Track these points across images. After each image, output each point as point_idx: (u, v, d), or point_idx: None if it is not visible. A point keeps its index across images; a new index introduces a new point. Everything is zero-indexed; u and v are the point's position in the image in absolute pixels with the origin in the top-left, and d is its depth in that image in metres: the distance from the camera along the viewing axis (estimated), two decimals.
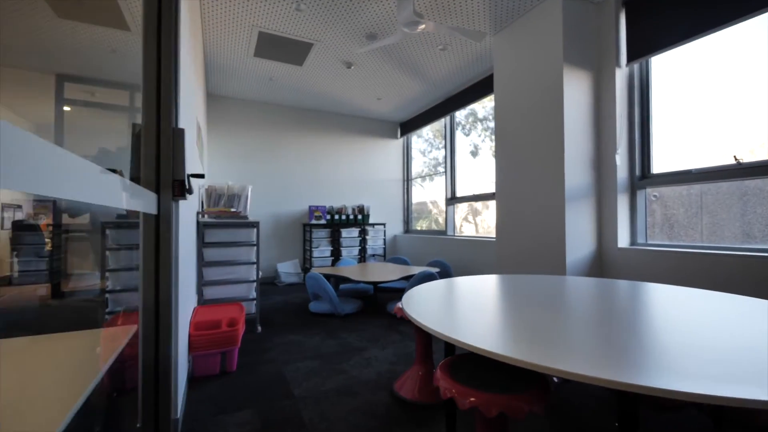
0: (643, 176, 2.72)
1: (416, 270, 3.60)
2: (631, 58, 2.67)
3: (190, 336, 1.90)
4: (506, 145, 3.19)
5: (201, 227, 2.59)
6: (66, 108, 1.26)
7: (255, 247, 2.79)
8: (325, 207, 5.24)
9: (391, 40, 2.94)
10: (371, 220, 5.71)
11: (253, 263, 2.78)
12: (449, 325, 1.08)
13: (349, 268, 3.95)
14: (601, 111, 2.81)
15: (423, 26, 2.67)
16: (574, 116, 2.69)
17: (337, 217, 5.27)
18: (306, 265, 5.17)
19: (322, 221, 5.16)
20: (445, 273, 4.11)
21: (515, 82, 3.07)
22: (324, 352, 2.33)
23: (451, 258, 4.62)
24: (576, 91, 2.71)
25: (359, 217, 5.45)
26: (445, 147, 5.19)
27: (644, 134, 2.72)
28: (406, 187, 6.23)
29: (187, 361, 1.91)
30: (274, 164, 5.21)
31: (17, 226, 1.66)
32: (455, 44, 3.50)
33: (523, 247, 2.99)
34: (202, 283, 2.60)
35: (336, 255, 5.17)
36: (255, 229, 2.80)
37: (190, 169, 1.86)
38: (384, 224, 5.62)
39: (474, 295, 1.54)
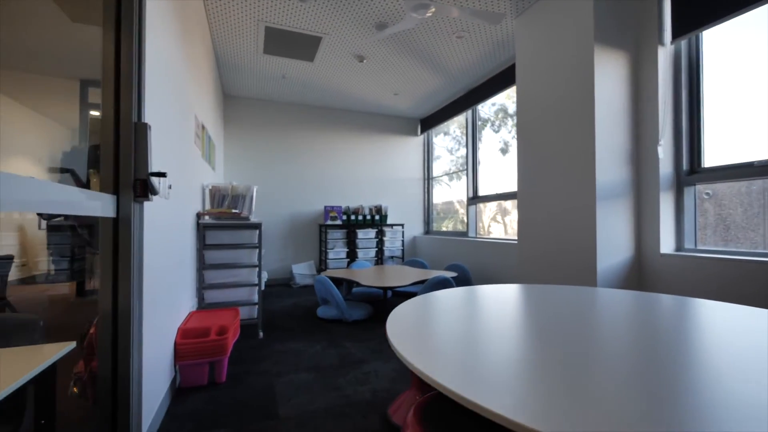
0: (691, 171, 2.34)
1: (434, 274, 3.37)
2: (677, 34, 2.30)
3: (176, 344, 1.80)
4: (529, 139, 2.89)
5: (201, 228, 2.52)
6: None
7: (257, 250, 2.68)
8: (341, 207, 5.10)
9: (400, 27, 2.73)
10: (389, 221, 5.52)
11: (255, 266, 2.68)
12: (430, 357, 0.86)
13: (362, 271, 3.78)
14: (641, 97, 2.45)
15: (432, 10, 2.44)
16: (606, 103, 2.36)
17: (353, 217, 5.13)
18: (322, 266, 5.07)
19: (338, 222, 5.03)
20: (464, 278, 3.84)
21: (539, 68, 2.76)
22: (322, 363, 2.17)
23: (472, 261, 4.34)
24: (609, 75, 2.38)
25: (376, 217, 5.28)
26: (467, 143, 4.89)
27: (693, 122, 2.34)
28: (426, 186, 5.98)
29: (174, 371, 1.81)
30: (291, 164, 5.14)
31: (52, 227, 1.63)
32: (473, 31, 3.23)
33: (547, 252, 2.68)
34: (202, 286, 2.52)
35: (352, 256, 5.03)
36: (257, 231, 2.69)
37: (178, 169, 1.76)
38: (402, 225, 5.40)
39: (479, 313, 1.28)
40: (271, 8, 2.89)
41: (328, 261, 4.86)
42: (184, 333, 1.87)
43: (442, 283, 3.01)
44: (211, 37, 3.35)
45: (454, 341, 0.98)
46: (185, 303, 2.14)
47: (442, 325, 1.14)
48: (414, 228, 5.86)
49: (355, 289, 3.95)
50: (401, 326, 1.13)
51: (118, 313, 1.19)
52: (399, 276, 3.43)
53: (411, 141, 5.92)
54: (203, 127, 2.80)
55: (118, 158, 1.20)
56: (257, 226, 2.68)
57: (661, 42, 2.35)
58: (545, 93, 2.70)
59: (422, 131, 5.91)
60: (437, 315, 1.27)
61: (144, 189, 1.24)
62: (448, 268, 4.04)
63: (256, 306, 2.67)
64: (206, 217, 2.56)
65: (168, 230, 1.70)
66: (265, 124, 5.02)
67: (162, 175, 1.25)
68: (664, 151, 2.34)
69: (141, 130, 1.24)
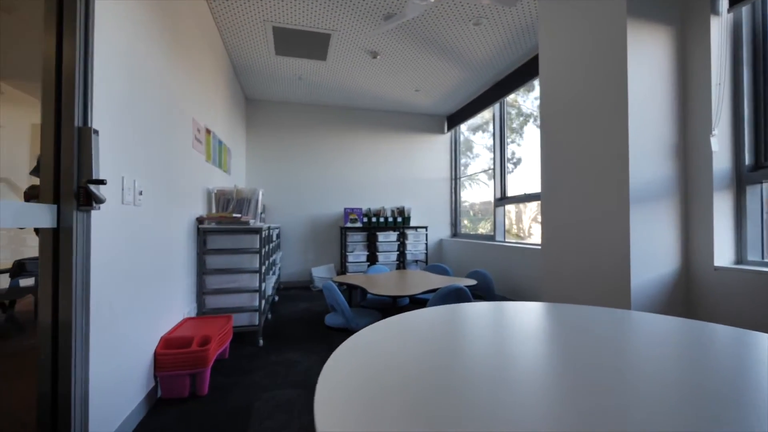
0: (756, 166, 1.90)
1: (452, 281, 3.12)
2: (736, 0, 1.87)
3: (155, 354, 1.76)
4: (553, 134, 2.55)
5: (201, 233, 2.50)
6: None
7: (258, 255, 2.62)
8: (361, 209, 4.98)
9: (405, 15, 2.53)
10: (413, 223, 5.30)
11: (256, 271, 2.62)
12: None
13: (373, 276, 3.61)
14: (688, 78, 2.04)
15: None
16: (643, 88, 1.98)
17: (374, 219, 4.98)
18: (342, 270, 4.98)
19: (358, 224, 4.91)
20: (485, 287, 3.54)
21: (564, 53, 2.42)
22: (313, 379, 2.04)
23: (498, 268, 4.00)
24: (646, 55, 2.00)
25: (398, 219, 5.08)
26: (493, 139, 4.54)
27: (759, 107, 1.90)
28: (454, 186, 5.68)
29: (155, 381, 1.77)
30: (312, 165, 5.11)
31: None
32: (491, 17, 2.94)
33: (573, 263, 2.34)
34: (203, 291, 2.51)
35: (372, 260, 4.88)
36: (257, 236, 2.63)
37: (161, 173, 1.72)
38: (426, 227, 5.16)
39: (464, 348, 0.83)
40: (276, 7, 2.82)
41: (347, 264, 4.76)
42: (166, 342, 1.83)
43: (455, 294, 2.76)
44: (223, 42, 3.37)
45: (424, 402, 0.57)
46: (177, 309, 2.12)
47: (410, 371, 0.68)
48: (440, 230, 5.59)
49: (369, 295, 3.80)
50: (346, 380, 0.64)
51: (58, 328, 1.13)
52: (412, 283, 3.22)
53: (437, 139, 5.65)
54: (208, 131, 2.79)
55: (59, 165, 1.14)
56: (257, 231, 2.62)
57: (714, 11, 1.93)
58: (571, 80, 2.36)
59: (449, 128, 5.61)
60: (406, 352, 0.80)
61: (88, 198, 1.17)
62: (470, 275, 3.75)
63: (257, 312, 2.61)
64: (208, 222, 2.54)
65: (144, 237, 1.66)
66: (286, 127, 5.03)
67: (101, 182, 1.17)
68: (719, 142, 1.92)
69: (85, 136, 1.18)
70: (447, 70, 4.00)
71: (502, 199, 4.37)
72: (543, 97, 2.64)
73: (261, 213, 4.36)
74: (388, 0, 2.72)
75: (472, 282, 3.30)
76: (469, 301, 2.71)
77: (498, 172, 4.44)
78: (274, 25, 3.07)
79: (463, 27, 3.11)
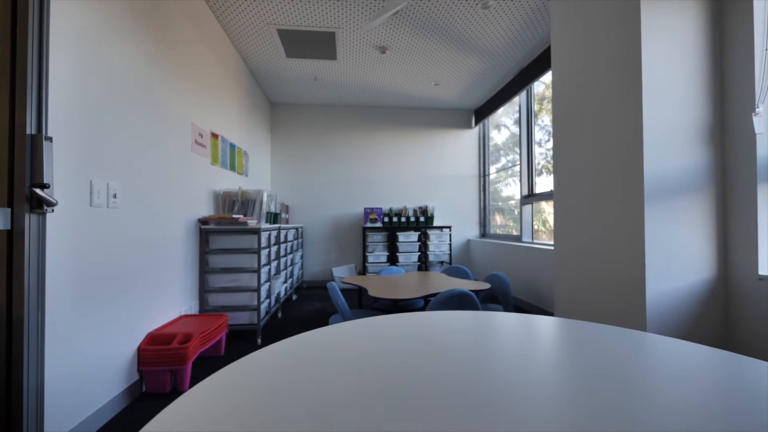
0: None
1: (467, 284, 2.93)
2: None
3: (139, 349, 1.84)
4: (564, 123, 2.26)
5: (203, 233, 2.60)
6: None
7: (256, 255, 2.66)
8: (381, 209, 4.90)
9: (393, 6, 2.40)
10: (437, 223, 5.10)
11: (255, 271, 2.66)
12: None
13: (384, 277, 3.52)
14: (725, 46, 1.68)
15: None
16: (662, 59, 1.66)
17: (395, 219, 4.87)
18: (362, 270, 4.94)
19: (378, 224, 4.83)
20: (503, 292, 3.27)
21: (575, 32, 2.13)
22: None
23: (523, 271, 3.70)
24: (666, 19, 1.67)
25: (421, 219, 4.92)
26: (520, 131, 4.20)
27: None
28: (482, 183, 5.37)
29: (138, 376, 1.86)
30: (334, 165, 5.14)
31: None
32: None
33: (584, 269, 2.05)
34: (205, 289, 2.60)
35: (392, 260, 4.78)
36: (256, 236, 2.67)
37: (148, 175, 1.79)
38: (449, 227, 4.93)
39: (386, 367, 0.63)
40: (276, 10, 2.85)
41: (367, 265, 4.71)
42: (151, 338, 1.91)
43: (457, 298, 2.57)
44: (236, 49, 3.49)
45: None
46: (171, 306, 2.21)
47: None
48: (468, 230, 5.32)
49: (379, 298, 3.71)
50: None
51: (12, 323, 1.21)
52: (419, 285, 3.07)
53: (463, 135, 5.39)
54: (215, 135, 2.90)
55: (12, 171, 1.22)
56: (256, 232, 2.66)
57: None
58: (581, 63, 2.07)
59: (476, 122, 5.32)
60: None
61: (39, 201, 1.24)
62: (488, 279, 3.50)
63: (256, 312, 2.66)
64: (210, 223, 2.64)
65: (122, 236, 1.74)
66: (309, 128, 5.12)
67: (45, 186, 1.23)
68: (765, 123, 1.54)
69: (37, 142, 1.25)
70: (464, 61, 3.77)
71: (530, 196, 4.02)
72: (555, 82, 2.36)
73: (285, 214, 4.48)
74: None
75: (485, 286, 3.07)
76: (474, 306, 2.52)
77: (525, 167, 4.10)
78: (277, 27, 3.11)
79: (471, 12, 2.89)
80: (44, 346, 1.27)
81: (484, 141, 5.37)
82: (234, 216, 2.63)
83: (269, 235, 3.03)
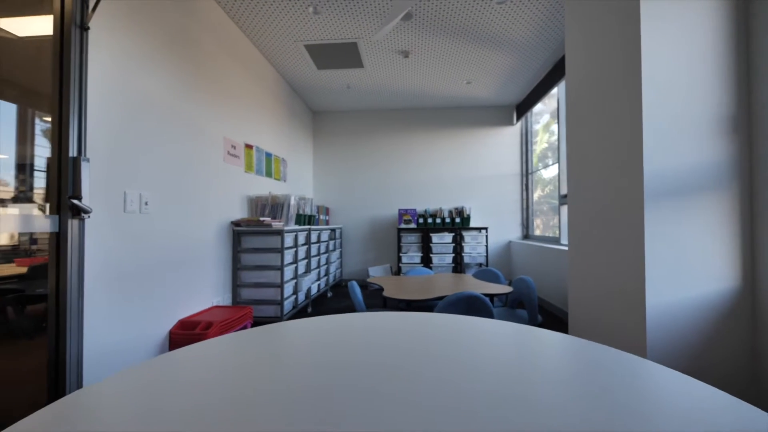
0: None
1: (488, 287, 2.87)
2: None
3: (170, 332, 2.18)
4: (576, 115, 2.11)
5: (236, 234, 2.93)
6: None
7: (280, 254, 2.92)
8: (415, 210, 4.93)
9: (398, 14, 2.46)
10: (474, 224, 4.97)
11: (278, 269, 2.92)
12: None
13: (406, 278, 3.56)
14: (752, 21, 1.44)
15: None
16: (667, 38, 1.48)
17: (430, 220, 4.87)
18: (396, 270, 5.02)
19: (412, 225, 4.87)
20: (528, 297, 3.10)
21: (588, 15, 1.97)
22: None
23: (558, 276, 3.46)
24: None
25: (457, 220, 4.84)
26: (558, 124, 3.91)
27: None
28: (525, 182, 5.09)
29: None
30: (372, 168, 5.31)
31: None
32: None
33: (589, 276, 1.90)
34: (237, 284, 2.93)
35: (426, 261, 4.78)
36: (279, 237, 2.92)
37: (176, 184, 2.08)
38: (486, 228, 4.77)
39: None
40: (300, 28, 3.09)
41: (401, 265, 4.78)
42: (182, 324, 2.24)
43: (465, 301, 2.54)
44: (273, 66, 3.83)
45: None
46: (203, 297, 2.55)
47: None
48: (509, 231, 5.08)
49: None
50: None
51: (59, 306, 1.55)
52: (438, 287, 3.07)
53: (504, 132, 5.17)
54: (249, 146, 3.24)
55: (60, 186, 1.57)
56: (279, 233, 2.92)
57: None
58: (590, 50, 1.91)
59: (518, 118, 5.06)
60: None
61: (76, 210, 1.57)
62: (515, 282, 3.35)
63: (279, 305, 2.91)
64: (241, 225, 2.96)
65: (153, 237, 2.08)
66: (347, 133, 5.35)
67: (77, 197, 1.55)
68: None
69: (77, 163, 1.58)
70: (492, 58, 3.65)
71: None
72: (568, 74, 2.21)
73: (324, 215, 4.76)
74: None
75: (507, 290, 2.97)
76: (484, 309, 2.48)
77: (564, 163, 3.81)
78: (304, 44, 3.35)
79: (488, 8, 2.81)
80: (83, 326, 1.60)
81: (526, 137, 5.09)
82: (261, 219, 2.91)
83: (296, 235, 3.28)
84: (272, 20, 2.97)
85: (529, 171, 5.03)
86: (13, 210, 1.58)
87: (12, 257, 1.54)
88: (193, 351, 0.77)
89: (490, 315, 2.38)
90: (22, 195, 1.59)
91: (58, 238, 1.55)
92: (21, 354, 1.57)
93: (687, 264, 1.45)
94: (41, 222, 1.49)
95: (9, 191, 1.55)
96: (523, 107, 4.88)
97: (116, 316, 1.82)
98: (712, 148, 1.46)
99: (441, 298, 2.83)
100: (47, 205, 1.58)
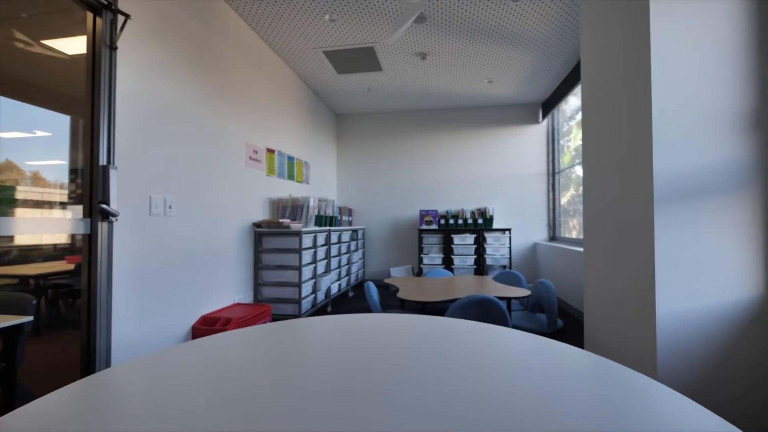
0: None
1: (506, 290, 2.82)
2: None
3: (193, 327, 2.33)
4: (591, 111, 2.02)
5: (257, 235, 3.07)
6: None
7: (297, 254, 3.02)
8: (436, 211, 4.90)
9: (408, 18, 2.47)
10: (497, 225, 4.86)
11: (296, 269, 3.02)
12: None
13: (423, 279, 3.55)
14: None
15: None
16: (680, 30, 1.39)
17: (452, 221, 4.82)
18: (418, 271, 5.01)
19: (433, 226, 4.84)
20: (548, 301, 3.00)
21: (598, 16, 1.89)
22: None
23: (580, 281, 3.31)
24: None
25: (479, 221, 4.76)
26: (583, 122, 3.73)
27: None
28: (551, 182, 4.91)
29: None
30: (395, 169, 5.34)
31: None
32: None
33: (605, 279, 1.81)
34: (258, 283, 3.07)
35: (447, 263, 4.74)
36: (297, 238, 3.03)
37: (196, 189, 2.22)
38: (509, 229, 4.64)
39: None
40: (318, 34, 3.18)
41: (422, 266, 4.77)
42: (204, 320, 2.38)
43: (478, 304, 2.50)
44: (296, 73, 3.96)
45: None
46: (225, 295, 2.70)
47: None
48: (535, 232, 4.92)
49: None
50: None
51: (90, 297, 1.72)
52: (452, 289, 3.04)
53: (529, 130, 5.01)
54: (271, 151, 3.38)
55: (91, 192, 1.73)
56: (297, 234, 3.02)
57: None
58: (603, 44, 1.83)
59: (544, 116, 4.89)
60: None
61: (105, 214, 1.73)
62: (535, 286, 3.25)
63: (297, 304, 3.01)
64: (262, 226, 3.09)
65: (177, 238, 2.23)
66: (370, 135, 5.42)
67: (105, 202, 1.70)
68: None
69: (107, 171, 1.74)
70: (512, 56, 3.56)
71: None
72: (584, 69, 2.12)
73: (347, 216, 4.86)
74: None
75: (525, 293, 2.90)
76: (498, 312, 2.45)
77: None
78: (323, 50, 3.44)
79: (503, 7, 2.75)
80: (111, 320, 1.76)
81: (553, 135, 4.90)
82: (280, 220, 3.03)
83: (314, 236, 3.38)
84: (291, 28, 3.08)
85: (556, 170, 4.84)
86: (58, 213, 1.75)
87: (63, 255, 1.72)
88: (188, 348, 0.84)
89: (504, 319, 2.33)
90: (72, 199, 1.76)
91: (90, 239, 1.72)
92: (67, 343, 1.74)
93: (702, 270, 1.35)
94: (77, 225, 1.66)
95: (64, 193, 1.71)
96: (549, 104, 4.71)
97: (142, 311, 1.98)
98: (730, 147, 1.35)
99: (455, 300, 2.80)
100: (81, 209, 1.76)
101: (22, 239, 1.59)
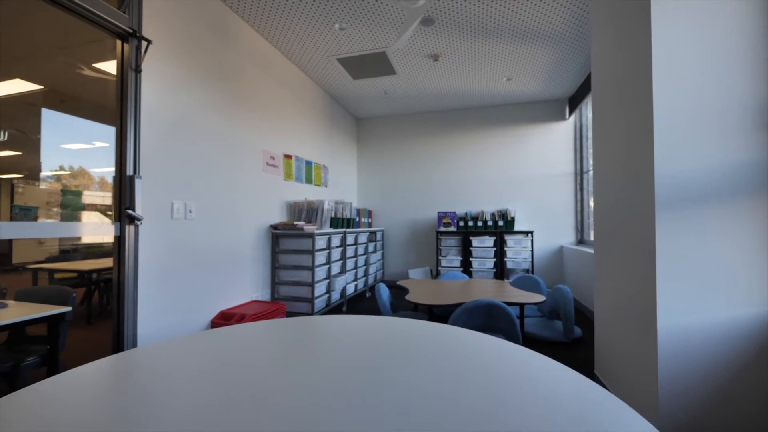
0: None
1: (521, 295, 2.79)
2: None
3: (212, 321, 2.52)
4: (602, 112, 1.96)
5: (274, 237, 3.24)
6: None
7: (310, 255, 3.16)
8: (454, 213, 4.86)
9: (412, 22, 2.51)
10: (519, 227, 4.74)
11: (309, 268, 3.16)
12: None
13: (436, 282, 3.56)
14: None
15: None
16: (682, 25, 1.33)
17: (471, 223, 4.76)
18: (436, 273, 5.00)
19: (452, 228, 4.81)
20: (564, 308, 2.90)
21: (605, 16, 1.83)
22: None
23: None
24: None
25: (499, 223, 4.67)
26: None
27: None
28: (579, 181, 4.70)
29: None
30: (415, 171, 5.36)
31: None
32: None
33: (611, 290, 1.75)
34: (275, 281, 3.24)
35: (466, 266, 4.69)
36: (311, 240, 3.16)
37: (214, 193, 2.42)
38: (531, 232, 4.51)
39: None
40: (330, 43, 3.30)
41: (440, 269, 4.76)
42: (222, 315, 2.57)
43: (484, 309, 2.48)
44: (314, 81, 4.12)
45: None
46: (243, 292, 2.88)
47: None
48: (562, 235, 4.74)
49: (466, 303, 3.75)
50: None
51: (119, 293, 1.93)
52: (463, 293, 3.03)
53: (555, 128, 4.83)
54: (288, 156, 3.55)
55: (120, 199, 1.95)
56: (310, 236, 3.16)
57: None
58: (609, 42, 1.77)
59: (571, 112, 4.69)
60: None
61: (131, 218, 1.94)
62: (553, 292, 3.15)
63: (310, 303, 3.15)
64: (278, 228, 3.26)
65: (197, 240, 2.42)
66: (389, 138, 5.48)
67: (131, 209, 1.90)
68: None
69: (133, 180, 1.95)
70: (529, 52, 3.47)
71: None
72: (594, 69, 2.06)
73: (367, 218, 4.96)
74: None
75: (539, 299, 2.85)
76: (506, 318, 2.44)
77: None
78: (336, 57, 3.56)
79: (513, 3, 2.71)
80: (137, 313, 1.97)
81: (581, 131, 4.69)
82: (295, 223, 3.18)
83: (329, 238, 3.50)
84: (303, 38, 3.22)
85: (585, 169, 4.63)
86: (95, 217, 1.98)
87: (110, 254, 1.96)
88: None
89: (512, 325, 2.31)
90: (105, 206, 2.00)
91: (119, 241, 1.93)
92: (106, 330, 1.98)
93: (708, 282, 1.28)
94: (108, 228, 1.87)
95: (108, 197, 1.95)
96: (576, 99, 4.51)
97: (166, 305, 2.18)
98: (737, 148, 1.27)
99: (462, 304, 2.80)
100: (111, 214, 1.98)
101: (85, 239, 1.89)
